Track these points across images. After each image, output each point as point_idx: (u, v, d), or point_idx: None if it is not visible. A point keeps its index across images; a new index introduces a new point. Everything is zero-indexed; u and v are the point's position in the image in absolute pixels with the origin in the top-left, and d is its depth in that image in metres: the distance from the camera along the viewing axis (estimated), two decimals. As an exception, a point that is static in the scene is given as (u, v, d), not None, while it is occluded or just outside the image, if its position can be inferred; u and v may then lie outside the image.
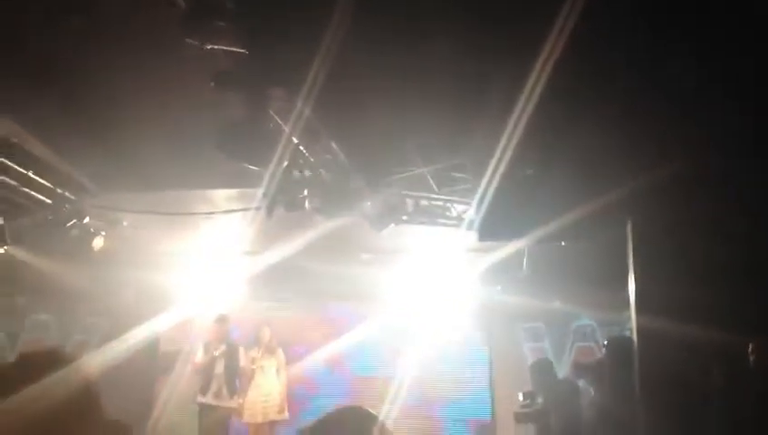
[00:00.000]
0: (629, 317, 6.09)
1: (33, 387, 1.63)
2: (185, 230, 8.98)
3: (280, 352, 9.46)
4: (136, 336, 10.17)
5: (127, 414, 10.08)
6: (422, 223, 8.49)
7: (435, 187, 7.70)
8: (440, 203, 8.16)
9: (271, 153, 6.10)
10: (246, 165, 6.44)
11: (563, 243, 7.54)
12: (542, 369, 7.97)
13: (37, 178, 7.87)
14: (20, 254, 9.03)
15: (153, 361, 11.11)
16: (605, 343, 6.97)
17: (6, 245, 8.09)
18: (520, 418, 8.10)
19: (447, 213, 8.26)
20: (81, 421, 1.65)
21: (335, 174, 7.28)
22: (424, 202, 8.16)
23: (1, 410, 1.60)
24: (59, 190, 8.20)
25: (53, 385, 1.65)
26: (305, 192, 7.28)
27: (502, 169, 5.55)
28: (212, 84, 5.02)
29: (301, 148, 6.62)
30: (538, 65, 4.65)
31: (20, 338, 11.03)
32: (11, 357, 10.41)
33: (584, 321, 10.34)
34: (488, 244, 8.43)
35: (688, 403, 5.46)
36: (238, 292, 10.31)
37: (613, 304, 7.54)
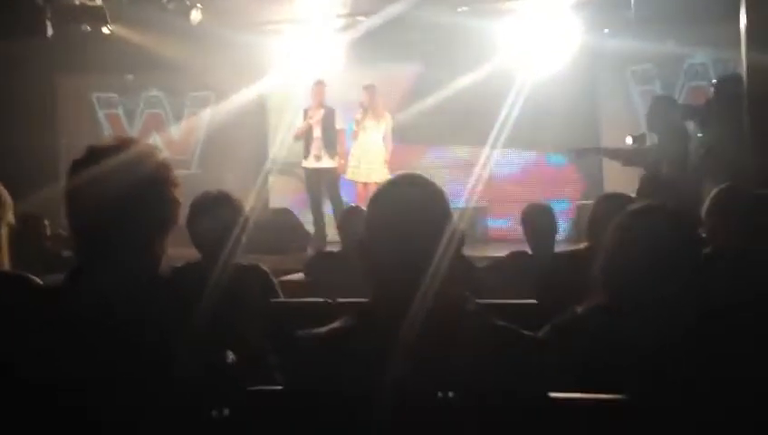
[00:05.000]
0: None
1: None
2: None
3: (388, 117, 9.30)
4: (241, 102, 10.38)
5: (239, 179, 10.64)
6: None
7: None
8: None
9: None
10: None
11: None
12: (664, 106, 7.40)
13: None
14: (122, 32, 9.23)
15: (262, 127, 11.40)
16: (713, 82, 6.64)
17: (108, 23, 8.26)
18: (627, 161, 7.95)
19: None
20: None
21: None
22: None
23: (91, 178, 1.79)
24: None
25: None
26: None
27: None
28: None
29: None
30: None
31: (136, 114, 11.50)
32: (132, 132, 11.03)
33: (697, 59, 9.78)
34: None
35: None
36: (337, 57, 10.20)
37: (729, 41, 7.05)
